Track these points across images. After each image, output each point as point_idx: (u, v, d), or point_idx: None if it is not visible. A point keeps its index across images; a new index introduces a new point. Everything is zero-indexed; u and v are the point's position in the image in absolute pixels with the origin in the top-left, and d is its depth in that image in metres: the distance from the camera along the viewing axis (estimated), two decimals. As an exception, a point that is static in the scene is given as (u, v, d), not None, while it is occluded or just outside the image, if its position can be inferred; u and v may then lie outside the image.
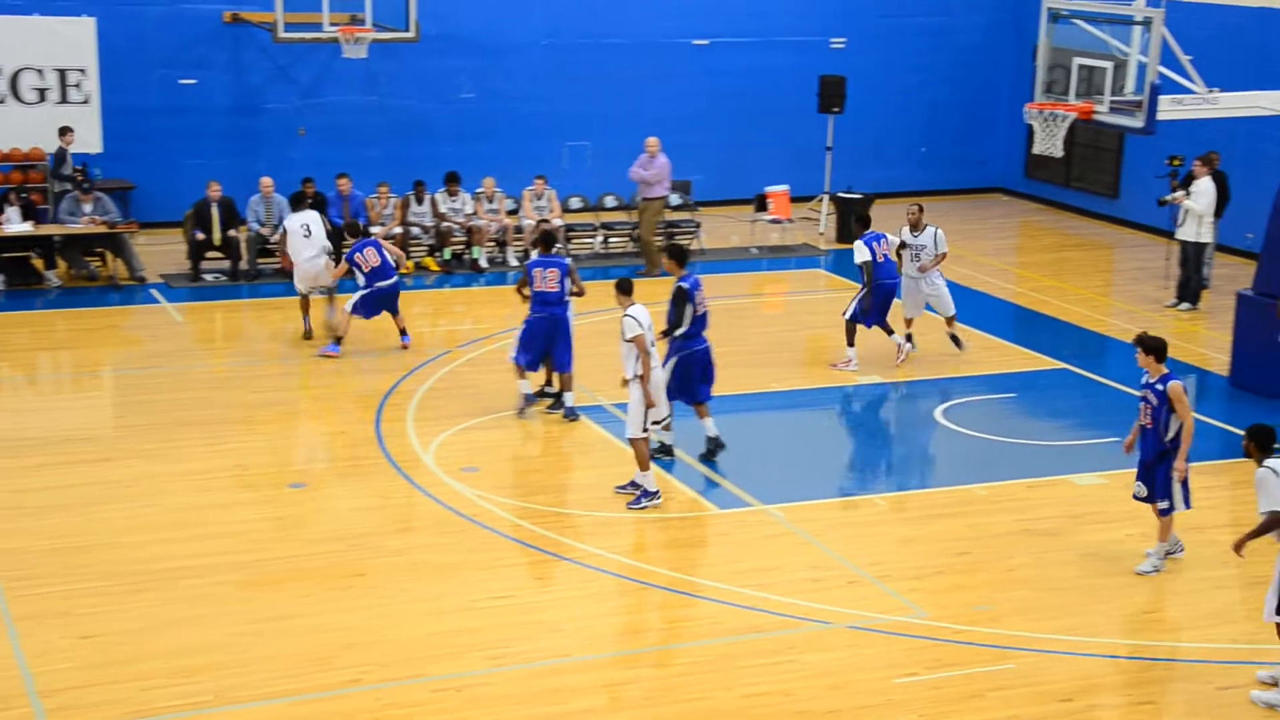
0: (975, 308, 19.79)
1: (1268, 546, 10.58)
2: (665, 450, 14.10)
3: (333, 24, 20.66)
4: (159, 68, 22.49)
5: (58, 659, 10.29)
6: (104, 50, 21.03)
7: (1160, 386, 11.60)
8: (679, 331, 13.81)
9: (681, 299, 13.76)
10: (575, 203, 22.69)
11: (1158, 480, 11.72)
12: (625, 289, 13.08)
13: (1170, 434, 11.61)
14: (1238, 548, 10.10)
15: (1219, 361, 17.33)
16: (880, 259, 16.75)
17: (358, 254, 16.95)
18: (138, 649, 10.46)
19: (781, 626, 11.01)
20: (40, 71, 20.84)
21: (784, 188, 23.04)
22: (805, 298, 21.20)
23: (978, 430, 15.24)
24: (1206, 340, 18.44)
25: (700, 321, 13.93)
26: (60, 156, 20.48)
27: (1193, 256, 19.77)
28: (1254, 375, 16.39)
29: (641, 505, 12.98)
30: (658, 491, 13.05)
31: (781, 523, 12.89)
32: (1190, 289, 19.89)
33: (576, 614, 11.17)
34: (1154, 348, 11.66)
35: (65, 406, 16.01)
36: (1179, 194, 19.74)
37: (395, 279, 17.14)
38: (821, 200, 24.10)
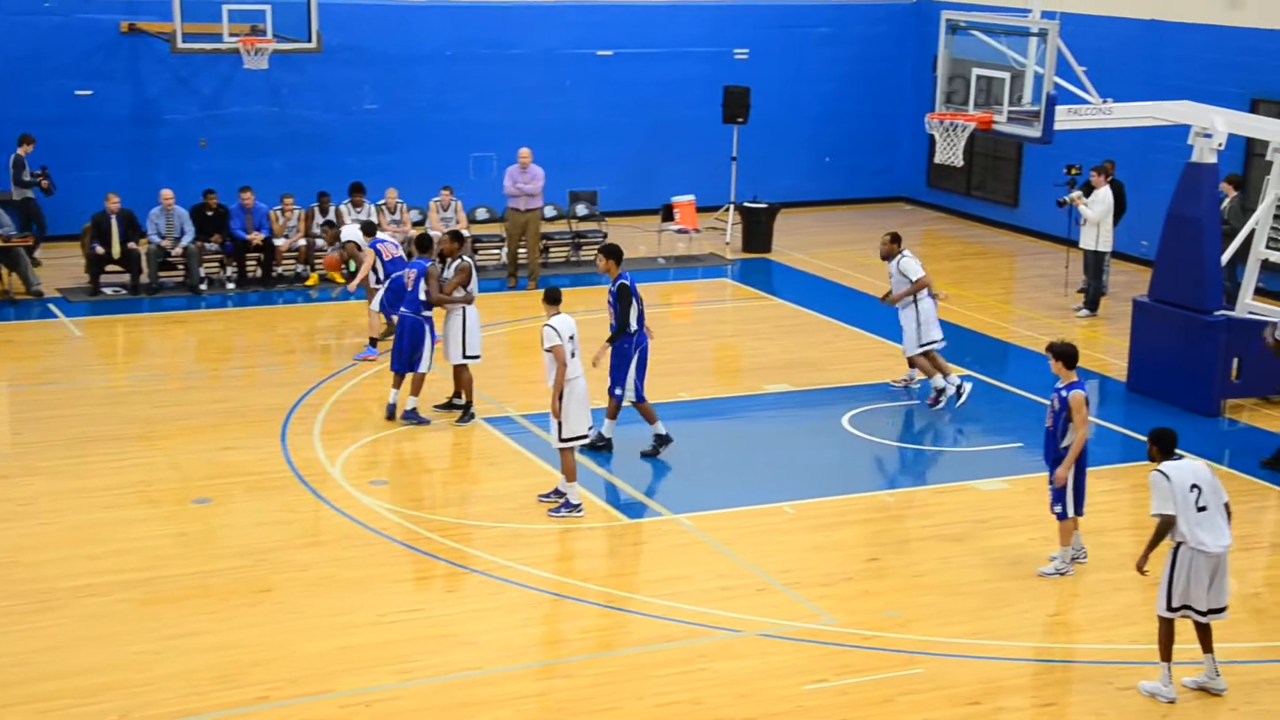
0: (879, 315, 19.99)
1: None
2: (605, 444, 14.49)
3: (233, 35, 20.46)
4: (54, 78, 22.12)
5: (-45, 682, 10.06)
6: (-3, 60, 20.65)
7: (1065, 394, 11.82)
8: (632, 328, 14.22)
9: (627, 296, 14.18)
10: (481, 213, 22.63)
11: (1055, 487, 11.94)
12: (552, 298, 13.09)
13: (1066, 440, 11.83)
14: (1140, 567, 10.25)
15: (1117, 367, 17.66)
16: None
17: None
18: (39, 669, 10.25)
19: (692, 635, 11.04)
20: (-70, 82, 20.40)
21: (690, 198, 23.15)
22: (713, 307, 21.30)
23: (884, 437, 15.40)
24: (1105, 346, 18.78)
25: (642, 317, 14.42)
26: (19, 164, 20.21)
27: (1092, 264, 20.15)
28: (1150, 380, 16.72)
29: (561, 515, 12.98)
30: (580, 504, 13.06)
31: (691, 531, 12.93)
32: (1090, 296, 20.26)
33: (486, 626, 11.12)
34: (1063, 354, 11.89)
35: (-40, 424, 15.67)
36: (1076, 193, 20.15)
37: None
38: (727, 210, 24.24)
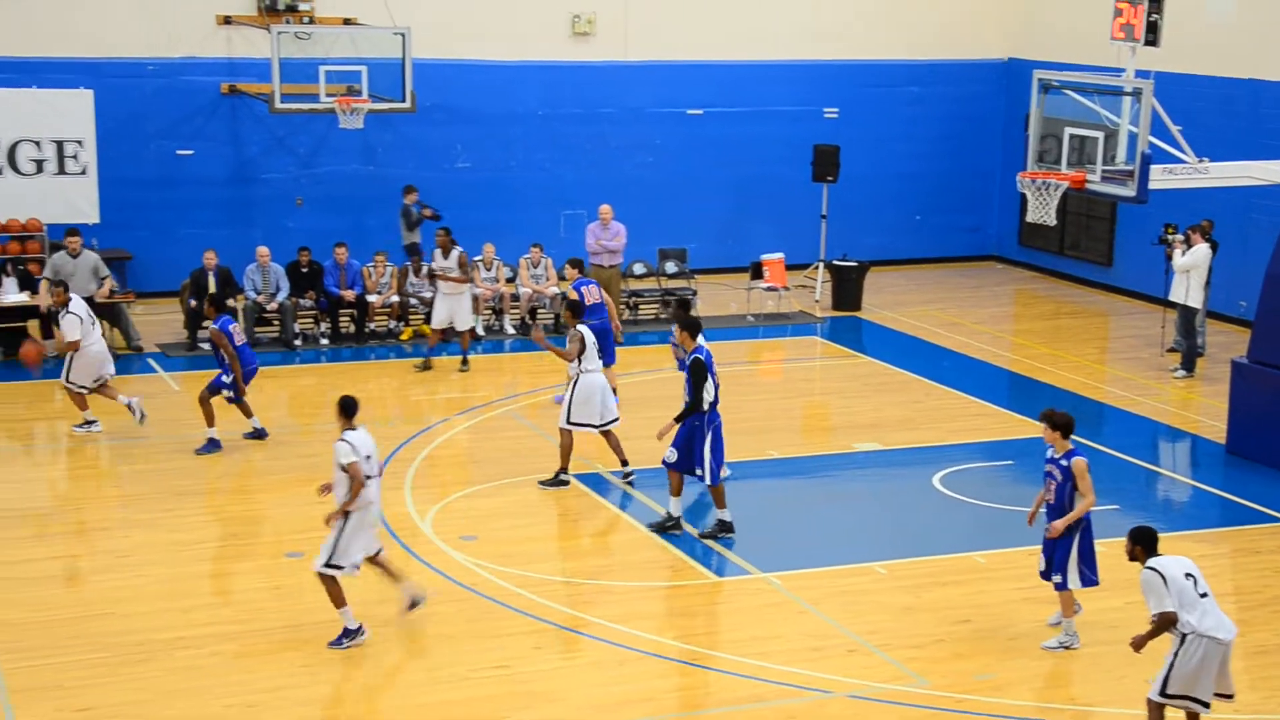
0: (971, 375, 19.84)
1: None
2: (675, 525, 13.97)
3: (329, 95, 20.83)
4: (156, 139, 22.63)
5: (52, 732, 10.20)
6: (102, 122, 21.16)
7: (1065, 462, 11.64)
8: (705, 405, 13.60)
9: (701, 371, 13.61)
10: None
11: (1056, 556, 11.71)
12: (347, 410, 11.62)
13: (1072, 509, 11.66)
14: (1137, 645, 9.95)
15: (1214, 429, 17.33)
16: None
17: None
18: (133, 721, 10.37)
19: (782, 695, 10.93)
20: (38, 143, 20.95)
21: (779, 255, 23.15)
22: (802, 365, 21.23)
23: (976, 498, 15.22)
24: (1202, 408, 18.45)
25: (716, 391, 13.80)
26: (406, 213, 21.68)
27: (1184, 323, 19.85)
28: (1250, 443, 16.39)
29: (343, 645, 11.55)
30: (360, 627, 11.59)
31: (780, 590, 12.83)
32: (1186, 356, 19.94)
33: (573, 683, 11.09)
34: (1060, 424, 11.71)
35: (61, 476, 15.96)
36: (1179, 237, 19.88)
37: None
38: (817, 268, 24.20)
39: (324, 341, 20.95)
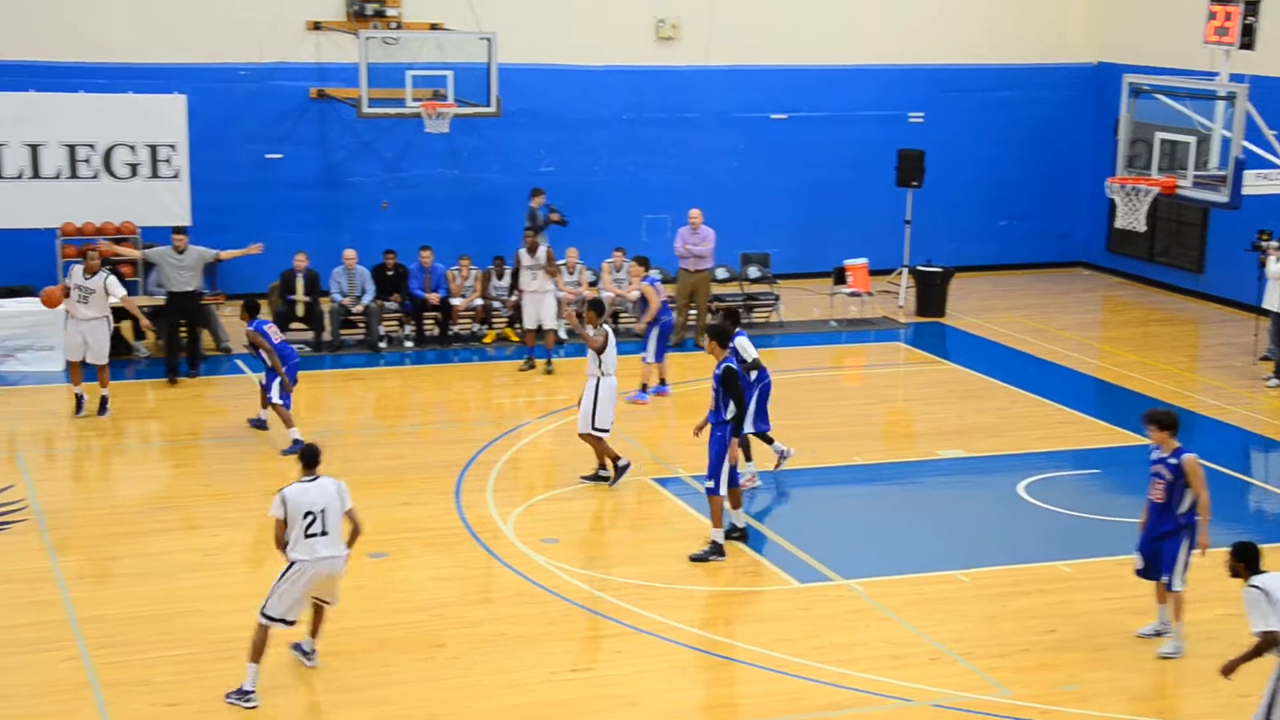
0: (1057, 382, 19.62)
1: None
2: (740, 534, 13.87)
3: (415, 100, 21.01)
4: (246, 143, 22.95)
5: (141, 726, 10.37)
6: (194, 126, 21.49)
7: (1174, 461, 11.49)
8: (732, 414, 13.27)
9: (734, 381, 13.30)
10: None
11: (1164, 556, 11.55)
12: (308, 460, 11.01)
13: (1183, 508, 11.50)
14: (1227, 671, 9.71)
15: (1309, 438, 17.04)
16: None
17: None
18: (220, 718, 10.50)
19: (863, 704, 10.87)
20: (132, 147, 21.31)
21: (863, 261, 23.03)
22: (885, 371, 21.10)
23: (1062, 506, 15.04)
24: (1296, 416, 18.13)
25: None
26: (532, 215, 21.67)
27: (1276, 330, 19.49)
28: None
29: (231, 699, 10.74)
30: (251, 695, 10.75)
31: (862, 597, 12.75)
32: (1279, 365, 19.58)
33: (653, 688, 11.09)
34: (1167, 423, 11.63)
35: (152, 475, 16.23)
36: (1274, 243, 19.52)
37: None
38: (901, 274, 24.05)
39: (408, 344, 21.12)
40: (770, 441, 15.29)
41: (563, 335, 21.11)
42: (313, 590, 10.88)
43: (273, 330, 16.65)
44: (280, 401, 16.42)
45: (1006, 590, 12.97)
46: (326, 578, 10.86)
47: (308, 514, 10.69)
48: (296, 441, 16.34)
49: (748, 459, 14.89)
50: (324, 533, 10.73)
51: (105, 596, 12.51)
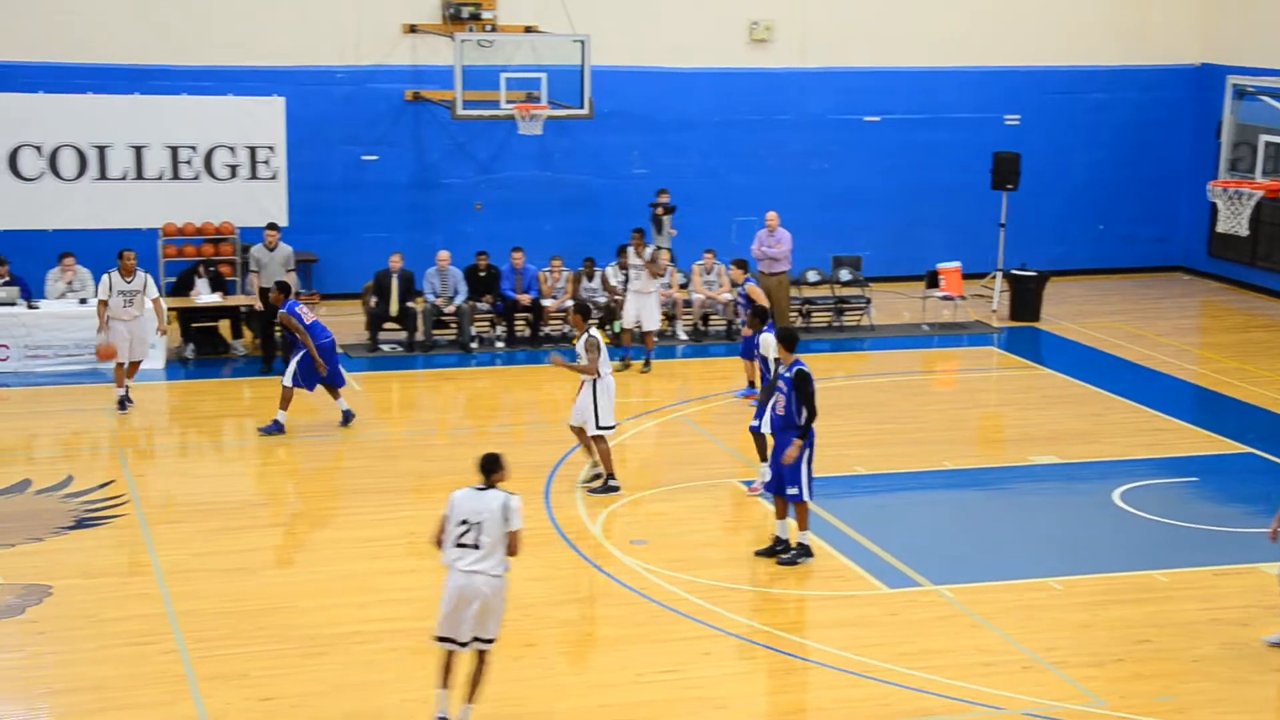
0: (1155, 388, 19.31)
1: None
2: (805, 552, 13.53)
3: (509, 102, 21.16)
4: (342, 144, 23.23)
5: None
6: (292, 128, 21.82)
7: None
8: (805, 418, 12.98)
9: (807, 384, 13.01)
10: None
11: None
12: (484, 468, 10.62)
13: None
14: None
15: None
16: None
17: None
18: (315, 713, 10.65)
19: (952, 711, 10.77)
20: (232, 149, 21.69)
21: (956, 264, 22.83)
22: (977, 375, 20.90)
23: (1158, 514, 14.80)
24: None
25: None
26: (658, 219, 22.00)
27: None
28: None
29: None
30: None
31: (952, 603, 12.64)
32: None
33: (741, 691, 11.08)
34: None
35: (247, 472, 16.48)
36: None
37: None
38: (994, 277, 23.80)
39: (499, 345, 21.27)
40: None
41: (683, 336, 21.11)
42: (462, 610, 10.16)
43: (304, 311, 17.08)
44: (292, 385, 16.82)
45: (1100, 599, 12.79)
46: (475, 600, 10.12)
47: (464, 521, 10.19)
48: (277, 423, 16.68)
49: (764, 459, 14.73)
50: (475, 546, 10.13)
51: (202, 591, 12.72)
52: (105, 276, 17.79)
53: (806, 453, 13.09)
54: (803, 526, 13.38)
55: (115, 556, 13.48)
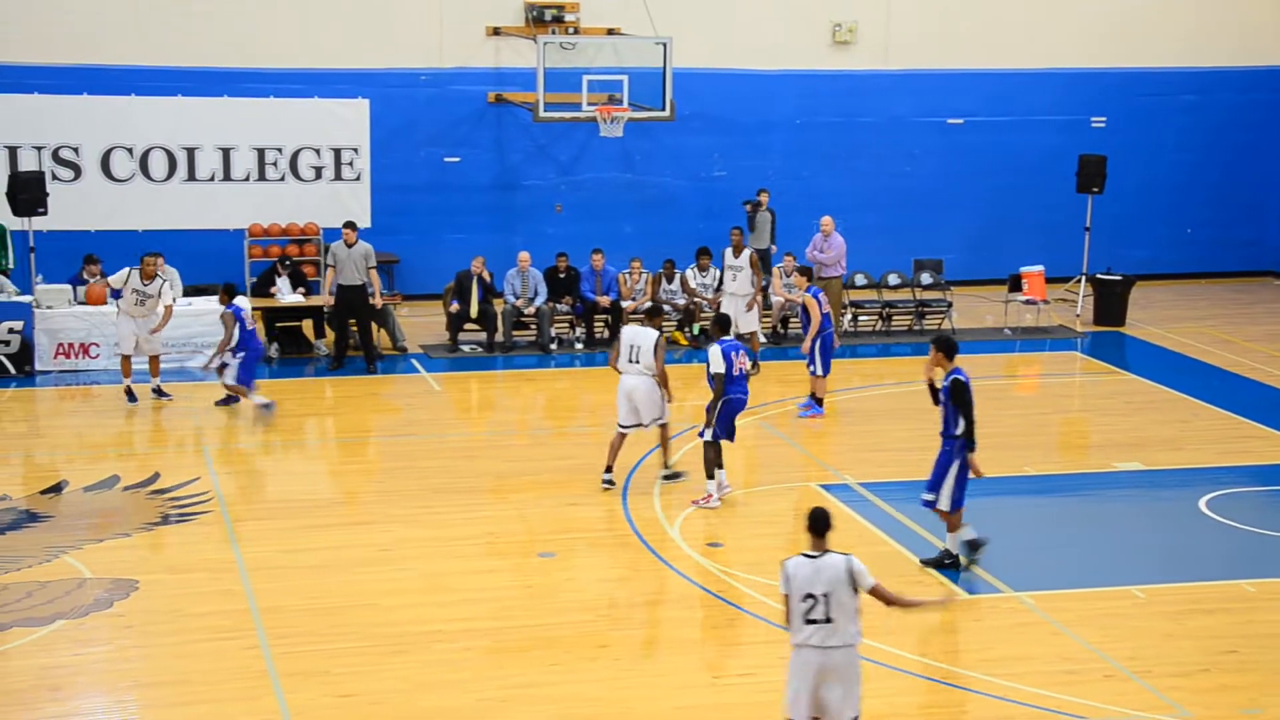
0: (1243, 395, 19.00)
1: None
2: (952, 561, 13.39)
3: (591, 104, 21.23)
4: (425, 146, 23.43)
5: (320, 716, 10.63)
6: (375, 130, 22.04)
7: None
8: (962, 429, 12.79)
9: (964, 393, 12.75)
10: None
11: None
12: (815, 526, 9.36)
13: None
14: None
15: None
16: (736, 371, 14.77)
17: None
18: (394, 710, 10.73)
19: (1033, 719, 10.65)
20: (317, 151, 21.94)
21: (1039, 268, 22.59)
22: (1060, 380, 20.67)
23: (1246, 524, 14.55)
24: None
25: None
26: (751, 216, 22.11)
27: None
28: None
29: None
30: None
31: (1033, 610, 12.51)
32: None
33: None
34: None
35: (330, 470, 16.67)
36: None
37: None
38: (1079, 282, 23.53)
39: (578, 346, 21.34)
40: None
41: (762, 340, 21.13)
42: (823, 692, 9.09)
43: (248, 317, 17.70)
44: (235, 383, 17.51)
45: (1185, 608, 12.59)
46: (835, 679, 9.07)
47: (808, 596, 9.04)
48: (230, 397, 17.73)
49: (720, 466, 14.73)
50: (827, 619, 9.00)
51: (284, 588, 12.87)
52: (127, 270, 18.18)
53: (957, 463, 12.90)
54: (950, 529, 13.22)
55: (200, 552, 13.67)
